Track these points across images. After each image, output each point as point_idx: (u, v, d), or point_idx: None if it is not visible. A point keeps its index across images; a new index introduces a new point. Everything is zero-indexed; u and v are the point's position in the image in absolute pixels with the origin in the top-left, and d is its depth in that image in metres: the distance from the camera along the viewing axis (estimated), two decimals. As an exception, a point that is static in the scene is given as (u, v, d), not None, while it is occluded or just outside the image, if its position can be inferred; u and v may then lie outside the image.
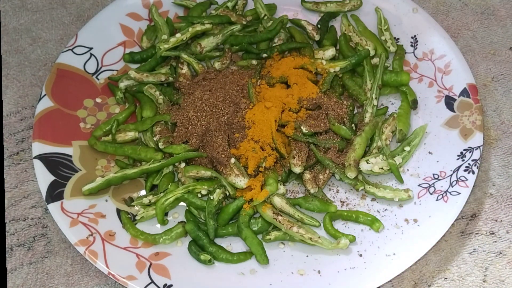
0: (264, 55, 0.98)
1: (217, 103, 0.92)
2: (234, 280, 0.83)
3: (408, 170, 0.91)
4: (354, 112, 0.95)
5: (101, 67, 1.00)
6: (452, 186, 0.87)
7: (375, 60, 0.99)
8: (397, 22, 1.03)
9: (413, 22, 1.02)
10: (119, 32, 1.03)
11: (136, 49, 1.02)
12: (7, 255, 0.88)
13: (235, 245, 0.87)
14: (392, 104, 0.97)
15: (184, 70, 0.98)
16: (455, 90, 0.95)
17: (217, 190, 0.86)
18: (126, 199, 0.89)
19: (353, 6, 1.04)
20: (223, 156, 0.88)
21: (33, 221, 0.90)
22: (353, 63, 0.97)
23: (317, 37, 1.02)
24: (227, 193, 0.87)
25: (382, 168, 0.89)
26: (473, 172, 0.87)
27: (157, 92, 0.96)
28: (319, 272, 0.83)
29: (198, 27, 1.00)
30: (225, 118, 0.91)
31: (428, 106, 0.95)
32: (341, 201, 0.89)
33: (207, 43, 0.99)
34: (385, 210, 0.88)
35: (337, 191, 0.90)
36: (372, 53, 0.99)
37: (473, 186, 0.87)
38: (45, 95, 0.95)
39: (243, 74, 0.96)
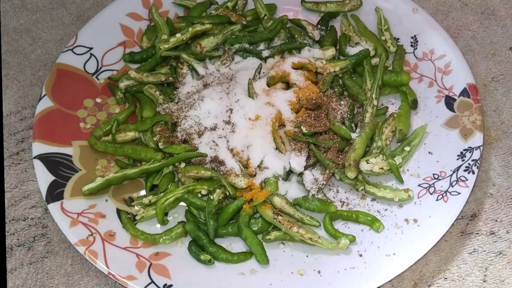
0: (264, 55, 0.98)
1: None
2: (234, 280, 0.83)
3: (408, 170, 0.91)
4: (354, 112, 0.95)
5: (101, 67, 1.00)
6: (452, 186, 0.87)
7: (375, 60, 0.99)
8: (397, 22, 1.03)
9: (413, 22, 1.02)
10: (119, 32, 1.03)
11: (136, 49, 1.02)
12: (7, 255, 0.88)
13: (235, 245, 0.87)
14: (392, 104, 0.97)
15: (184, 70, 0.98)
16: (455, 90, 0.95)
17: (217, 190, 0.86)
18: (126, 199, 0.89)
19: (353, 6, 1.04)
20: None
21: (33, 221, 0.90)
22: (353, 63, 0.97)
23: (317, 37, 1.02)
24: (227, 193, 0.87)
25: (382, 168, 0.89)
26: (473, 172, 0.87)
27: (157, 92, 0.96)
28: (319, 272, 0.83)
29: (198, 27, 1.00)
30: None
31: (428, 106, 0.95)
32: (341, 201, 0.89)
33: (207, 43, 0.99)
34: (385, 210, 0.88)
35: (337, 191, 0.90)
36: (372, 53, 0.99)
37: (473, 186, 0.87)
38: (45, 95, 0.95)
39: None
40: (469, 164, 0.88)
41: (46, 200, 0.86)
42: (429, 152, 0.91)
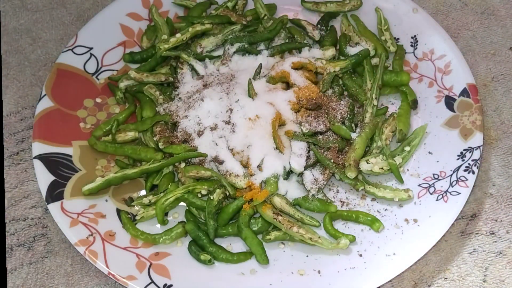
0: (264, 55, 0.98)
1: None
2: (234, 280, 0.83)
3: (408, 170, 0.91)
4: (354, 112, 0.95)
5: (101, 67, 1.00)
6: (452, 186, 0.87)
7: (375, 60, 0.99)
8: (397, 22, 1.03)
9: (413, 22, 1.02)
10: (119, 32, 1.03)
11: (136, 49, 1.02)
12: (7, 255, 0.88)
13: (235, 245, 0.87)
14: (392, 104, 0.97)
15: (184, 70, 0.98)
16: (455, 90, 0.95)
17: (217, 190, 0.86)
18: (126, 199, 0.89)
19: (353, 6, 1.04)
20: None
21: (33, 221, 0.90)
22: (353, 63, 0.97)
23: (317, 37, 1.02)
24: (227, 193, 0.87)
25: (382, 168, 0.89)
26: (473, 172, 0.87)
27: (157, 92, 0.96)
28: (319, 272, 0.83)
29: (198, 27, 1.00)
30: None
31: (428, 106, 0.95)
32: (341, 201, 0.89)
33: (207, 43, 0.99)
34: (385, 210, 0.88)
35: (337, 191, 0.90)
36: (372, 53, 0.99)
37: (473, 186, 0.87)
38: (45, 95, 0.95)
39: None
40: (469, 164, 0.88)
41: (46, 200, 0.86)
42: (429, 152, 0.91)
